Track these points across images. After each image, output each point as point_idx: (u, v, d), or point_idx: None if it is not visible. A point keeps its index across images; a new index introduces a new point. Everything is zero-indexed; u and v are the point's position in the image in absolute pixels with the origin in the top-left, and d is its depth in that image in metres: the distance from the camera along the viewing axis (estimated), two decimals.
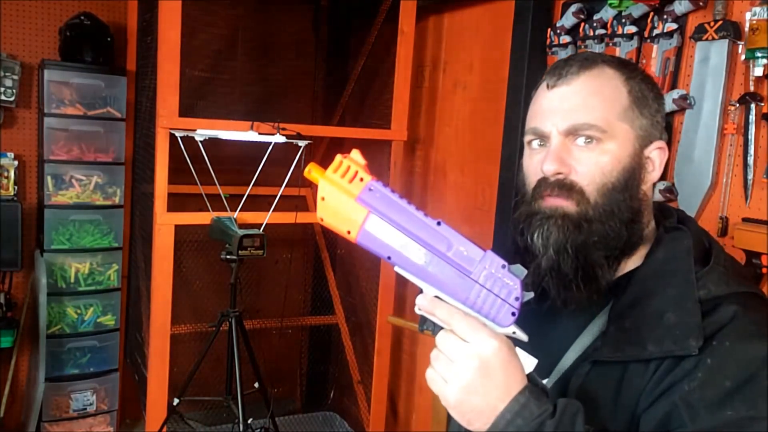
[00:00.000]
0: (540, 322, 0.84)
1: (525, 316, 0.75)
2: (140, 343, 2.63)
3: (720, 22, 1.51)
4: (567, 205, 0.80)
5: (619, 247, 0.81)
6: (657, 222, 0.89)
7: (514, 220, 0.87)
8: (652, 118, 0.84)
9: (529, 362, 0.79)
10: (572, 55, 0.87)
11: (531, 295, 0.70)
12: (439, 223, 0.70)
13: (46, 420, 2.77)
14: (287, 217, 2.37)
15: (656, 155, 0.84)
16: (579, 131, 0.81)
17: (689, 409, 0.70)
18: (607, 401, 0.78)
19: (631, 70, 0.85)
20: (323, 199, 0.78)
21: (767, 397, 0.69)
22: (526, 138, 0.87)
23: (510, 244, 0.91)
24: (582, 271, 0.80)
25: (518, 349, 0.79)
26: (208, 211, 2.28)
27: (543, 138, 0.83)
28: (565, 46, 1.94)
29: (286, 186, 2.33)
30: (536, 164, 0.84)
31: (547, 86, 0.84)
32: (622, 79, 0.83)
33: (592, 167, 0.80)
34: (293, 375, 3.44)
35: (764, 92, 1.46)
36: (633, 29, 1.72)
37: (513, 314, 0.69)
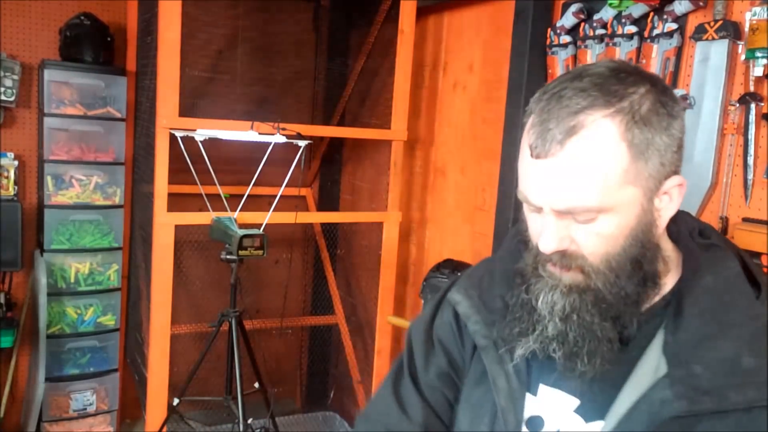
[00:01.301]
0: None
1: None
2: (140, 343, 2.63)
3: (720, 22, 1.51)
4: (570, 276, 0.75)
5: (633, 309, 0.76)
6: (671, 233, 0.82)
7: (519, 270, 0.82)
8: (662, 157, 0.73)
9: (570, 403, 0.80)
10: (551, 96, 0.73)
11: None
12: None
13: (46, 420, 2.77)
14: (287, 217, 2.37)
15: (674, 192, 0.76)
16: (573, 214, 0.73)
17: None
18: None
19: (633, 105, 0.71)
20: None
21: None
22: (519, 195, 0.78)
23: (515, 248, 0.89)
24: (588, 341, 0.75)
25: (558, 391, 0.80)
26: (208, 211, 2.28)
27: (536, 208, 0.76)
28: (565, 46, 1.94)
29: (286, 186, 2.33)
30: (532, 228, 0.79)
31: (531, 152, 0.73)
32: (620, 130, 0.70)
33: (594, 239, 0.74)
34: (293, 375, 3.44)
35: (764, 92, 1.46)
36: (633, 29, 1.72)
37: None
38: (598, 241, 0.73)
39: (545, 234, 0.75)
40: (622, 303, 0.75)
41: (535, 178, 0.74)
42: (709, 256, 0.78)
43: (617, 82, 0.72)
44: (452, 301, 0.93)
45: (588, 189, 0.71)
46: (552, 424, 0.82)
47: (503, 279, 0.88)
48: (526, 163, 0.75)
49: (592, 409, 0.79)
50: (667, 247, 0.81)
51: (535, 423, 0.83)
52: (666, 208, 0.76)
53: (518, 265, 0.82)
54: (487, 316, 0.88)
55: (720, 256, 0.78)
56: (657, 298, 0.79)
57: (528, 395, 0.84)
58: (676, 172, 0.75)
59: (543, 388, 0.84)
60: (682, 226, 0.84)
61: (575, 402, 0.80)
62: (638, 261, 0.74)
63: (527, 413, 0.84)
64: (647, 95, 0.72)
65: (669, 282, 0.80)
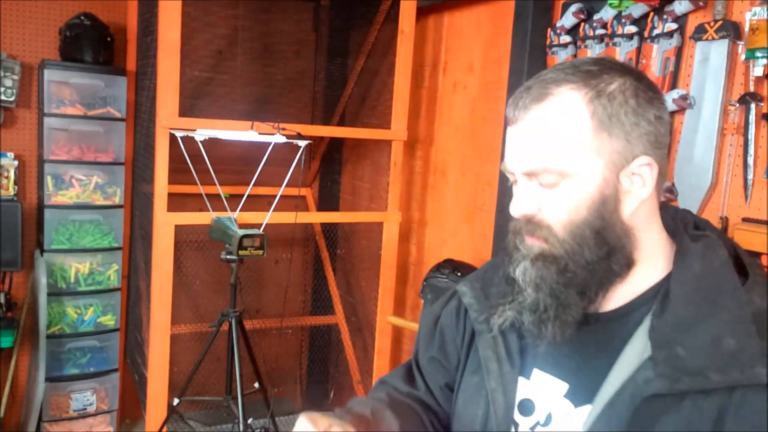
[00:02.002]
0: (571, 342, 0.81)
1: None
2: (140, 343, 2.63)
3: (720, 22, 1.51)
4: (538, 243, 0.78)
5: (598, 281, 0.78)
6: (668, 227, 0.84)
7: (503, 248, 0.86)
8: (627, 134, 0.75)
9: (560, 387, 0.82)
10: (534, 78, 0.79)
11: None
12: None
13: (46, 420, 2.77)
14: (287, 217, 2.37)
15: (644, 171, 0.77)
16: (535, 175, 0.77)
17: None
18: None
19: (601, 83, 0.76)
20: None
21: None
22: (502, 167, 0.84)
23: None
24: (555, 308, 0.78)
25: (550, 375, 0.83)
26: (208, 211, 2.28)
27: (512, 177, 0.81)
28: (565, 46, 1.94)
29: (286, 186, 2.33)
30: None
31: (508, 122, 0.80)
32: (584, 101, 0.75)
33: (556, 206, 0.77)
34: (293, 375, 3.44)
35: (764, 92, 1.46)
36: (633, 29, 1.72)
37: None
38: (561, 207, 0.76)
39: (514, 198, 0.80)
40: (585, 272, 0.77)
41: (509, 144, 0.80)
42: (699, 245, 0.79)
43: (595, 67, 0.77)
44: (459, 292, 0.98)
45: (548, 151, 0.75)
46: (542, 408, 0.84)
47: (502, 268, 0.92)
48: (507, 133, 0.81)
49: (581, 394, 0.80)
50: (651, 236, 0.81)
51: (526, 407, 0.85)
52: (635, 189, 0.77)
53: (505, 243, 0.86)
54: (485, 304, 0.91)
55: (709, 245, 0.79)
56: (643, 288, 0.80)
57: (521, 379, 0.86)
58: (646, 155, 0.76)
59: (536, 373, 0.85)
60: (679, 220, 0.85)
61: (565, 386, 0.82)
62: (600, 233, 0.76)
63: (519, 396, 0.86)
64: (623, 81, 0.76)
65: (653, 273, 0.81)
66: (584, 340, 0.81)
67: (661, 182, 0.79)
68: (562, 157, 0.75)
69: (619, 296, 0.80)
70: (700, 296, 0.75)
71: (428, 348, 1.02)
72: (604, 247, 0.77)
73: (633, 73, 0.78)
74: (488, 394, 0.87)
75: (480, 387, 0.90)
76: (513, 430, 0.85)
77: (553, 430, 0.82)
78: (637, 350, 0.77)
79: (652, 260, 0.80)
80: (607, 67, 0.77)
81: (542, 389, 0.84)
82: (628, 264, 0.79)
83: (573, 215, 0.76)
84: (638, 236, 0.79)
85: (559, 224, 0.77)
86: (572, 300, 0.77)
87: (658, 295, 0.79)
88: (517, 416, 0.86)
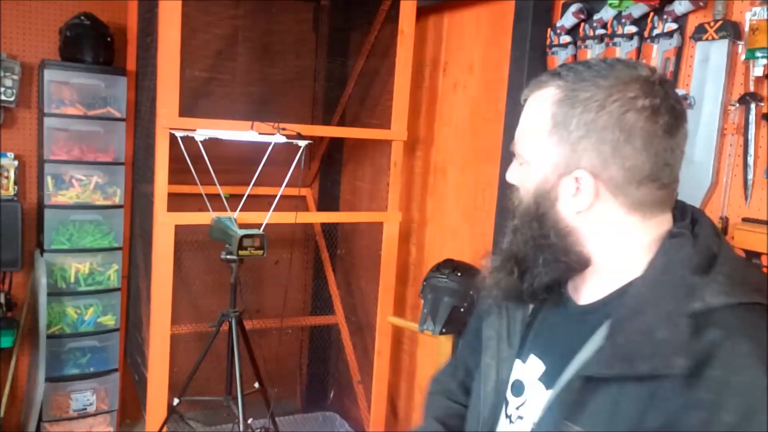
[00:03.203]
0: (555, 328, 0.90)
1: (545, 319, 0.91)
2: (140, 343, 2.63)
3: (720, 22, 1.51)
4: (513, 215, 0.91)
5: (539, 261, 0.86)
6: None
7: None
8: (573, 144, 0.80)
9: (539, 370, 0.89)
10: (548, 71, 0.88)
11: None
12: None
13: (46, 420, 2.77)
14: (287, 217, 2.37)
15: (580, 184, 0.81)
16: (515, 152, 0.89)
17: None
18: (600, 419, 0.77)
19: (577, 89, 0.80)
20: None
21: None
22: None
23: None
24: (505, 269, 0.89)
25: (536, 358, 0.90)
26: (208, 211, 2.28)
27: None
28: (565, 46, 1.94)
29: (286, 186, 2.33)
30: None
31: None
32: (552, 100, 0.82)
33: (521, 186, 0.88)
34: (293, 375, 3.44)
35: (764, 92, 1.46)
36: (633, 29, 1.72)
37: None
38: (521, 188, 0.88)
39: (510, 167, 0.91)
40: (526, 246, 0.87)
41: None
42: (670, 243, 0.82)
43: (594, 70, 0.81)
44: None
45: (523, 135, 0.87)
46: (529, 390, 0.90)
47: None
48: None
49: (551, 377, 0.86)
50: (623, 240, 0.84)
51: (517, 387, 0.92)
52: (572, 197, 0.82)
53: None
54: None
55: (678, 243, 0.81)
56: (623, 283, 0.83)
57: (518, 361, 0.93)
58: (593, 171, 0.80)
59: (531, 357, 0.91)
60: (684, 219, 0.87)
61: (542, 369, 0.89)
62: (538, 221, 0.85)
63: (513, 377, 0.93)
64: (606, 91, 0.78)
65: (639, 270, 0.82)
66: (566, 329, 0.88)
67: (628, 200, 0.81)
68: (525, 146, 0.86)
69: (596, 291, 0.86)
70: (649, 290, 0.79)
71: (468, 331, 1.12)
72: (542, 235, 0.85)
73: (640, 92, 0.78)
74: (483, 367, 0.95)
75: (490, 364, 0.97)
76: (504, 408, 0.93)
77: (525, 410, 0.89)
78: (597, 340, 0.81)
79: (623, 260, 0.83)
80: (600, 74, 0.79)
81: (531, 372, 0.90)
82: (577, 259, 0.85)
83: (524, 197, 0.87)
84: (585, 239, 0.84)
85: (520, 200, 0.88)
86: (510, 267, 0.88)
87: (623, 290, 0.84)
88: (509, 395, 0.92)
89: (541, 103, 0.83)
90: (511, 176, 0.91)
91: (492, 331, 0.96)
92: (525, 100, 0.87)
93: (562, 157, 0.81)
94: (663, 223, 0.84)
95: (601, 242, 0.84)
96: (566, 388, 0.81)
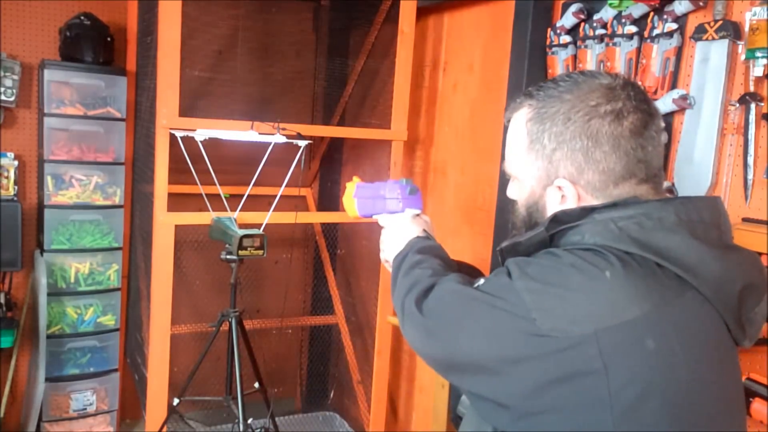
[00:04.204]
0: None
1: None
2: (140, 343, 2.63)
3: (720, 22, 1.51)
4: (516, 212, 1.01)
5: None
6: None
7: None
8: (548, 157, 0.88)
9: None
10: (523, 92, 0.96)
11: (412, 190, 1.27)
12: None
13: (46, 420, 2.77)
14: (287, 217, 2.37)
15: (563, 191, 0.88)
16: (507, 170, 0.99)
17: None
18: None
19: (544, 106, 0.88)
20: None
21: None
22: None
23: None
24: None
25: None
26: (208, 211, 2.28)
27: None
28: (565, 46, 1.94)
29: (286, 186, 2.33)
30: None
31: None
32: (525, 120, 0.90)
33: (517, 200, 0.98)
34: (293, 375, 3.43)
35: (764, 92, 1.46)
36: (633, 29, 1.72)
37: (401, 205, 1.26)
38: (518, 198, 0.97)
39: (509, 184, 1.01)
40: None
41: None
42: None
43: (559, 85, 0.88)
44: None
45: (509, 154, 0.95)
46: None
47: None
48: None
49: None
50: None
51: None
52: (556, 202, 0.90)
53: None
54: None
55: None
56: None
57: None
58: (570, 178, 0.87)
59: None
60: None
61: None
62: (528, 228, 0.94)
63: None
64: (565, 106, 0.86)
65: None
66: None
67: (606, 200, 0.86)
68: (512, 163, 0.95)
69: None
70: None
71: None
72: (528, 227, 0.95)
73: (602, 99, 0.85)
74: None
75: None
76: None
77: None
78: None
79: None
80: (565, 89, 0.87)
81: None
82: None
83: (521, 208, 0.96)
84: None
85: (518, 210, 0.98)
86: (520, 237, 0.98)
87: None
88: None
89: (518, 123, 0.92)
90: (510, 193, 0.99)
91: None
92: (508, 121, 0.95)
93: (542, 170, 0.89)
94: None
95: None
96: None
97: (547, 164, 0.88)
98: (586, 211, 0.85)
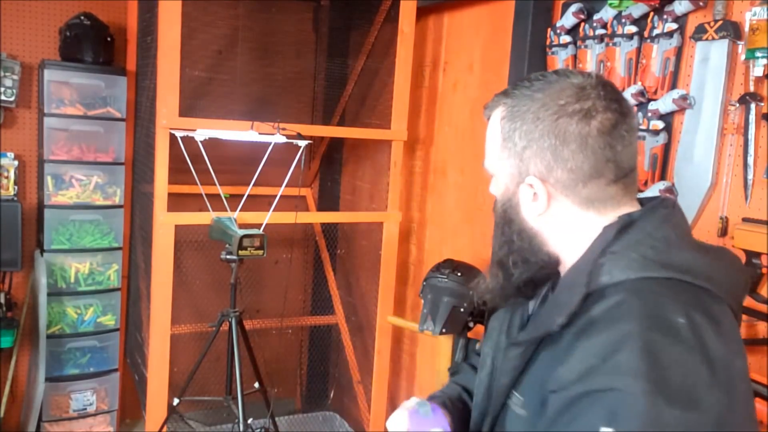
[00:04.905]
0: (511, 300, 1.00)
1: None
2: (140, 343, 2.63)
3: (720, 22, 1.51)
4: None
5: (515, 262, 0.94)
6: None
7: None
8: (519, 155, 0.88)
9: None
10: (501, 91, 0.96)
11: None
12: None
13: (46, 420, 2.77)
14: (287, 217, 2.37)
15: (534, 189, 0.88)
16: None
17: (559, 388, 0.76)
18: (528, 383, 0.88)
19: (516, 105, 0.89)
20: None
21: (628, 372, 0.70)
22: None
23: None
24: (491, 273, 0.98)
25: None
26: (208, 211, 2.28)
27: None
28: (565, 46, 1.94)
29: (286, 186, 2.33)
30: None
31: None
32: (500, 116, 0.91)
33: (494, 193, 0.98)
34: (293, 375, 3.43)
35: (764, 92, 1.46)
36: (633, 29, 1.72)
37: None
38: (496, 195, 0.97)
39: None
40: (503, 249, 0.95)
41: None
42: (603, 229, 0.88)
43: (530, 84, 0.89)
44: None
45: (487, 151, 0.96)
46: None
47: None
48: None
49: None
50: (583, 236, 0.89)
51: None
52: (530, 202, 0.89)
53: None
54: None
55: (608, 229, 0.87)
56: None
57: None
58: (539, 176, 0.87)
59: None
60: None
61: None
62: (508, 226, 0.94)
63: None
64: (535, 105, 0.87)
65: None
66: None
67: (577, 198, 0.87)
68: (489, 160, 0.96)
69: None
70: (567, 273, 0.89)
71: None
72: (511, 239, 0.94)
73: (571, 98, 0.85)
74: (482, 356, 1.02)
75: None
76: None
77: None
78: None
79: (554, 252, 0.93)
80: (539, 88, 0.88)
81: None
82: (547, 259, 0.92)
83: (497, 204, 0.97)
84: (549, 239, 0.91)
85: (496, 206, 0.97)
86: (494, 271, 0.98)
87: None
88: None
89: (494, 121, 0.93)
90: (491, 189, 1.00)
91: (496, 323, 1.03)
92: (488, 118, 0.96)
93: (514, 168, 0.90)
94: (610, 218, 0.89)
95: (562, 240, 0.90)
96: (510, 360, 0.92)
97: (519, 162, 0.89)
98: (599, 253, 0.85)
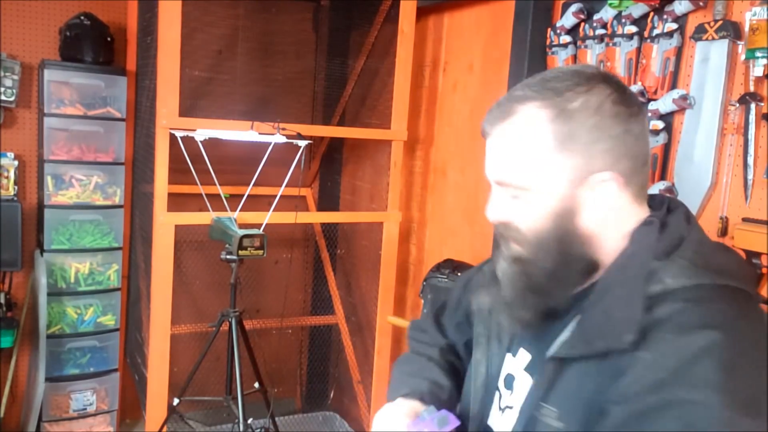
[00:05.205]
0: (541, 324, 0.89)
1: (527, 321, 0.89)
2: (140, 343, 2.63)
3: (720, 22, 1.51)
4: (512, 247, 0.87)
5: (558, 284, 0.85)
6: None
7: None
8: (586, 152, 0.80)
9: (525, 359, 0.91)
10: (507, 94, 0.86)
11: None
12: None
13: (46, 420, 2.77)
14: (287, 217, 2.37)
15: (602, 186, 0.82)
16: (503, 186, 0.86)
17: (624, 400, 0.73)
18: (567, 397, 0.81)
19: (564, 102, 0.80)
20: None
21: (706, 385, 0.69)
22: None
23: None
24: (517, 306, 0.88)
25: (525, 351, 0.92)
26: (208, 211, 2.28)
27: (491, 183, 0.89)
28: (565, 46, 1.94)
29: (286, 186, 2.33)
30: None
31: (482, 133, 0.88)
32: (546, 119, 0.81)
33: (522, 215, 0.84)
34: (293, 375, 3.43)
35: (764, 92, 1.46)
36: (633, 29, 1.72)
37: None
38: (526, 216, 0.84)
39: (489, 203, 0.89)
40: (545, 277, 0.84)
41: (486, 154, 0.88)
42: (638, 231, 0.84)
43: (562, 81, 0.82)
44: (482, 270, 1.07)
45: (514, 164, 0.83)
46: (517, 381, 0.92)
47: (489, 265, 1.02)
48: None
49: (535, 366, 0.89)
50: (617, 237, 0.84)
51: (508, 381, 0.94)
52: (593, 201, 0.82)
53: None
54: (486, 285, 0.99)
55: (645, 230, 0.83)
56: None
57: (508, 356, 0.95)
58: (607, 169, 0.81)
59: (521, 351, 0.93)
60: (659, 209, 0.89)
61: (528, 358, 0.91)
62: (560, 242, 0.83)
63: (504, 372, 0.95)
64: (588, 95, 0.80)
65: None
66: (552, 320, 0.88)
67: (633, 188, 0.84)
68: (524, 172, 0.82)
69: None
70: (613, 276, 0.82)
71: (457, 310, 1.12)
72: (564, 255, 0.83)
73: (603, 86, 0.81)
74: (473, 363, 0.98)
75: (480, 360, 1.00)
76: (498, 401, 0.95)
77: (514, 400, 0.91)
78: (571, 326, 0.84)
79: (604, 258, 0.86)
80: (574, 83, 0.81)
81: (519, 363, 0.93)
82: (591, 267, 0.85)
83: (536, 224, 0.83)
84: (604, 241, 0.84)
85: (526, 231, 0.84)
86: (529, 301, 0.86)
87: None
88: (502, 389, 0.94)
89: (530, 124, 0.82)
90: (498, 213, 0.87)
91: (482, 328, 0.99)
92: (489, 133, 0.87)
93: (575, 168, 0.81)
94: (646, 210, 0.87)
95: (615, 238, 0.84)
96: (540, 372, 0.85)
97: (584, 160, 0.80)
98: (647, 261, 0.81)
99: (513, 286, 0.87)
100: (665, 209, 0.87)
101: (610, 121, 0.80)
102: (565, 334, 0.84)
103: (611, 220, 0.84)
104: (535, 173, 0.82)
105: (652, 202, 0.90)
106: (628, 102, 0.82)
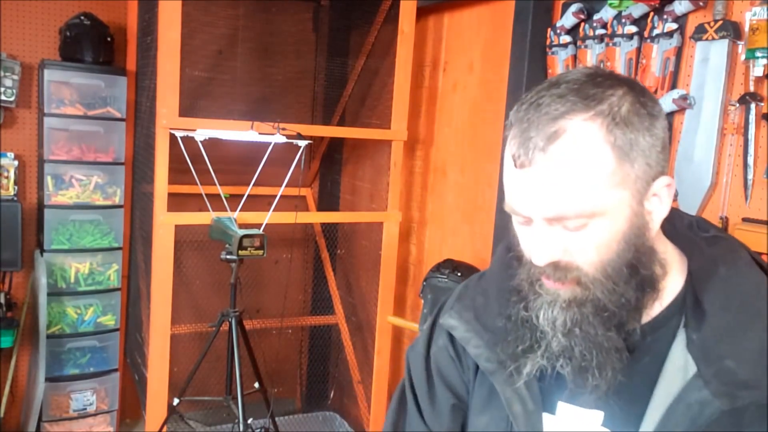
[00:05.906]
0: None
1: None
2: (140, 343, 2.63)
3: (720, 22, 1.51)
4: (567, 289, 0.74)
5: (634, 311, 0.75)
6: (665, 232, 0.81)
7: (514, 287, 0.80)
8: (647, 157, 0.72)
9: (595, 417, 0.78)
10: (534, 110, 0.72)
11: None
12: None
13: (46, 420, 2.77)
14: (287, 217, 2.37)
15: (663, 191, 0.74)
16: (563, 221, 0.71)
17: None
18: None
19: (612, 108, 0.70)
20: None
21: None
22: (506, 208, 0.76)
23: (504, 252, 0.89)
24: (596, 354, 0.74)
25: (577, 407, 0.79)
26: (208, 211, 2.28)
27: (526, 220, 0.75)
28: (565, 46, 1.94)
29: (286, 186, 2.33)
30: (524, 242, 0.77)
31: (514, 163, 0.72)
32: (602, 132, 0.69)
33: (587, 247, 0.72)
34: (293, 375, 3.44)
35: (764, 92, 1.46)
36: (633, 29, 1.72)
37: None
38: (592, 248, 0.72)
39: (537, 246, 0.73)
40: (623, 310, 0.73)
41: (521, 188, 0.72)
42: (718, 249, 0.78)
43: (594, 86, 0.71)
44: (446, 326, 0.90)
45: (576, 193, 0.69)
46: None
47: (499, 297, 0.86)
48: (511, 175, 0.74)
49: (621, 420, 0.77)
50: (664, 249, 0.79)
51: None
52: (657, 210, 0.74)
53: (513, 282, 0.80)
54: (488, 338, 0.85)
55: (728, 247, 0.78)
56: (667, 301, 0.77)
57: (546, 415, 0.81)
58: (663, 173, 0.74)
59: (561, 406, 0.81)
60: (677, 222, 0.83)
61: (600, 415, 0.78)
62: (634, 265, 0.73)
63: None
64: (625, 97, 0.71)
65: (673, 283, 0.78)
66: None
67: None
68: (590, 198, 0.70)
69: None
70: (735, 303, 0.73)
71: (434, 401, 0.93)
72: (638, 279, 0.73)
73: (627, 83, 0.74)
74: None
75: (491, 426, 0.85)
76: None
77: None
78: (678, 367, 0.74)
79: (670, 270, 0.78)
80: (606, 85, 0.72)
81: (572, 422, 0.80)
82: (655, 288, 0.76)
83: (605, 253, 0.72)
84: (659, 253, 0.77)
85: (590, 265, 0.72)
86: (613, 342, 0.73)
87: (686, 305, 0.76)
88: None
89: (585, 143, 0.69)
90: (553, 253, 0.73)
91: (510, 391, 0.82)
92: (531, 161, 0.70)
93: (640, 178, 0.72)
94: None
95: (663, 251, 0.78)
96: (667, 426, 0.72)
97: (648, 167, 0.72)
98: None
99: (577, 331, 0.74)
100: (695, 224, 0.85)
101: (654, 121, 0.73)
102: (677, 378, 0.73)
103: (658, 232, 0.77)
104: (603, 195, 0.70)
105: None
106: (648, 94, 0.75)
